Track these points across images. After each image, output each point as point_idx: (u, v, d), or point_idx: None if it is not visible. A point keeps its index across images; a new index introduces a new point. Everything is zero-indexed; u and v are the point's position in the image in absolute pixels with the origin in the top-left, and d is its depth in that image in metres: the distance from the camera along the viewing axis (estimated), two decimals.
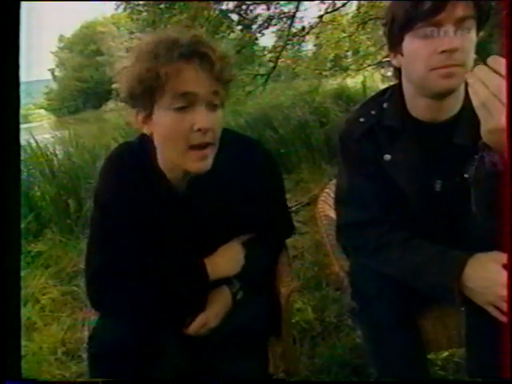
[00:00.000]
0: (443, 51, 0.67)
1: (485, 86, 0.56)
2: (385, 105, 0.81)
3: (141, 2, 4.12)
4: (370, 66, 5.48)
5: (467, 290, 0.69)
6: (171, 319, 0.78)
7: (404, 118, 0.79)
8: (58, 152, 3.00)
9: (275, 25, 4.59)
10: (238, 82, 4.54)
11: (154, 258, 0.79)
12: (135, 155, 0.81)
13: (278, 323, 0.87)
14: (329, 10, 4.61)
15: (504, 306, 0.65)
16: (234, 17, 4.29)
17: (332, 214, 0.97)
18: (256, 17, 4.44)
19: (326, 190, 1.15)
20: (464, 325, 0.76)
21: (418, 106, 0.76)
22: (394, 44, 0.74)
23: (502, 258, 0.67)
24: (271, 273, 0.90)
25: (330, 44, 5.91)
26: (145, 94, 0.69)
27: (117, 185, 0.80)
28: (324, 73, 6.12)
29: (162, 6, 3.96)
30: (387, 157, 0.78)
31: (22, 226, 2.15)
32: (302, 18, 4.69)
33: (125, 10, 4.30)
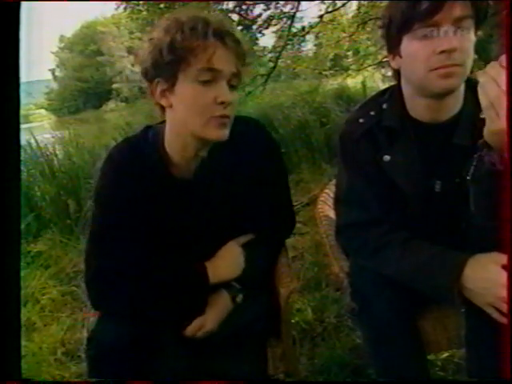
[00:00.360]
0: (442, 51, 0.67)
1: (496, 84, 0.56)
2: (384, 105, 0.81)
3: (140, 2, 4.12)
4: (370, 65, 5.48)
5: (467, 290, 0.69)
6: (171, 321, 0.78)
7: (403, 118, 0.78)
8: (58, 152, 3.01)
9: (275, 25, 4.60)
10: None
11: (155, 258, 0.79)
12: (136, 148, 0.80)
13: (277, 324, 0.87)
14: (329, 10, 4.61)
15: (503, 307, 0.65)
16: (234, 17, 4.28)
17: (332, 214, 0.97)
18: (256, 17, 4.43)
19: (326, 191, 1.15)
20: (464, 326, 0.76)
21: (417, 107, 0.76)
22: (393, 46, 0.74)
23: (502, 258, 0.67)
24: (271, 274, 0.90)
25: (330, 44, 5.91)
26: (172, 64, 0.71)
27: (117, 181, 0.79)
28: (324, 73, 6.12)
29: (161, 5, 3.96)
30: (387, 157, 0.78)
31: (22, 226, 2.15)
32: (301, 17, 4.70)
33: (125, 9, 4.30)
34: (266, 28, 4.54)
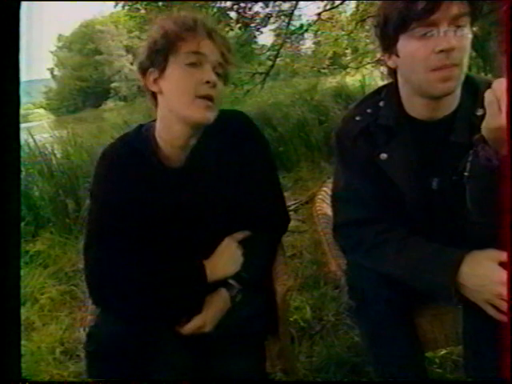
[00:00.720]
0: (441, 51, 0.66)
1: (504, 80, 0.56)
2: (381, 103, 0.81)
3: (139, 1, 4.11)
4: (369, 63, 5.47)
5: (463, 288, 0.69)
6: (169, 318, 0.78)
7: (400, 116, 0.78)
8: (56, 151, 3.00)
9: (273, 23, 4.59)
10: (236, 81, 4.54)
11: (153, 254, 0.79)
12: (129, 144, 0.83)
13: (274, 322, 0.87)
14: (327, 8, 4.60)
15: (500, 304, 0.65)
16: (233, 15, 4.28)
17: (329, 212, 0.97)
18: (254, 15, 4.42)
19: (324, 189, 1.15)
20: (461, 323, 0.76)
21: (414, 105, 0.76)
22: (389, 45, 0.73)
23: (498, 255, 0.67)
24: (268, 271, 0.90)
25: (328, 42, 5.90)
26: (163, 50, 0.77)
27: (111, 177, 0.81)
28: (323, 71, 6.11)
29: (159, 4, 3.96)
30: (384, 155, 0.78)
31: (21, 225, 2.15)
32: (300, 15, 4.68)
33: (123, 8, 4.29)
34: (264, 26, 4.54)
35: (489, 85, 0.64)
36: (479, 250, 0.69)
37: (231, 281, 0.81)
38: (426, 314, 0.83)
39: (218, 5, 4.08)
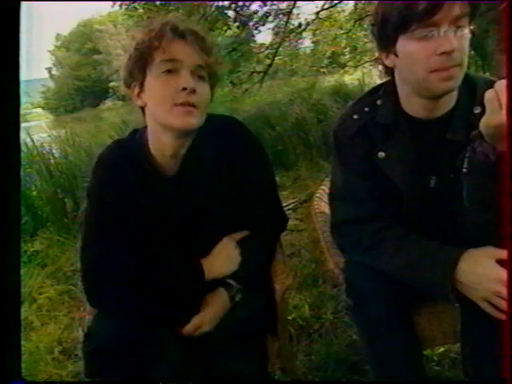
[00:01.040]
0: (442, 53, 0.66)
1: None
2: (379, 102, 0.81)
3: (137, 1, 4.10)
4: (367, 62, 5.47)
5: (461, 285, 0.69)
6: (167, 318, 0.78)
7: (398, 115, 0.78)
8: (54, 151, 3.00)
9: (272, 21, 4.58)
10: (234, 80, 4.53)
11: (149, 253, 0.79)
12: (125, 149, 0.83)
13: (273, 321, 0.87)
14: (325, 7, 4.60)
15: (497, 302, 0.65)
16: (231, 13, 4.27)
17: (327, 210, 0.97)
18: (252, 13, 4.42)
19: (322, 187, 1.15)
20: (459, 320, 0.76)
21: (412, 104, 0.76)
22: (387, 44, 0.72)
23: (496, 253, 0.67)
24: (267, 270, 0.90)
25: (327, 41, 5.90)
26: (139, 63, 0.76)
27: (108, 180, 0.81)
28: (322, 70, 6.11)
29: (157, 3, 3.95)
30: (381, 154, 0.78)
31: None
32: (298, 14, 4.67)
33: (120, 7, 4.28)
34: (263, 25, 4.53)
35: (486, 83, 0.64)
36: (477, 247, 0.69)
37: (230, 280, 0.81)
38: (423, 312, 0.83)
39: (215, 4, 4.07)
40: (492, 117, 0.58)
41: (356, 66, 5.69)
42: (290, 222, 0.96)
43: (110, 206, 0.80)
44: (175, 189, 0.81)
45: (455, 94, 0.75)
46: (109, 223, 0.79)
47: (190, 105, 0.75)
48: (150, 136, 0.81)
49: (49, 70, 23.75)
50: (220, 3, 4.11)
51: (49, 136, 3.54)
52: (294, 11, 4.49)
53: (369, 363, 0.86)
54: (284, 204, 2.41)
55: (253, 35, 4.90)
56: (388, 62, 0.75)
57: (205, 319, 0.77)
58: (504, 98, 0.56)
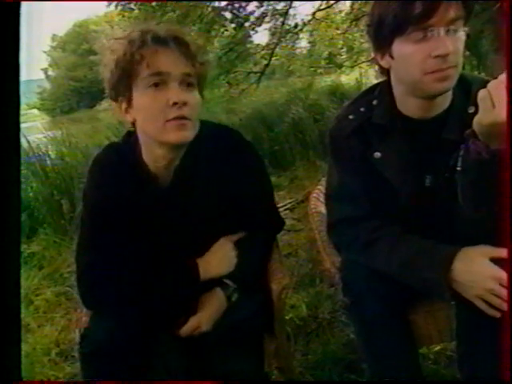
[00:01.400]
0: (438, 56, 0.66)
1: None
2: (374, 102, 0.81)
3: (133, 0, 4.09)
4: (364, 62, 5.48)
5: (456, 283, 0.69)
6: (163, 318, 0.78)
7: (393, 115, 0.78)
8: (50, 152, 2.98)
9: (268, 22, 4.59)
10: (231, 80, 4.53)
11: (144, 257, 0.79)
12: (120, 155, 0.82)
13: (270, 320, 0.88)
14: (321, 7, 4.61)
15: (491, 299, 0.66)
16: (227, 15, 4.27)
17: (324, 210, 0.97)
18: (249, 14, 4.42)
19: (319, 187, 1.15)
20: (455, 318, 0.76)
21: (408, 105, 0.76)
22: (383, 46, 0.73)
23: (490, 251, 0.68)
24: (263, 270, 0.90)
25: (323, 41, 5.92)
26: (123, 79, 0.73)
27: (103, 184, 0.81)
28: (318, 70, 6.12)
29: (153, 3, 3.94)
30: (377, 154, 0.79)
31: None
32: (294, 15, 4.68)
33: (116, 7, 4.27)
34: (259, 25, 4.53)
35: (481, 83, 0.64)
36: (471, 245, 0.70)
37: (226, 280, 0.81)
38: (419, 311, 0.84)
39: (212, 4, 4.07)
40: (484, 115, 0.59)
41: (353, 66, 5.70)
42: (287, 222, 0.96)
43: (105, 211, 0.79)
44: (170, 197, 0.81)
45: (450, 94, 0.76)
46: (104, 227, 0.79)
47: (183, 117, 0.72)
48: (143, 148, 0.79)
49: (45, 70, 23.64)
50: (216, 4, 4.11)
51: (45, 137, 3.52)
52: (291, 12, 4.50)
53: (366, 362, 0.87)
54: (281, 204, 2.42)
55: (249, 36, 4.90)
56: (384, 63, 0.75)
57: (202, 319, 0.77)
58: (496, 98, 0.57)
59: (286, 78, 6.71)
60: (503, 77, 0.56)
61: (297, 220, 2.26)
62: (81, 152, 3.03)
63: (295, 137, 3.54)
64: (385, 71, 0.78)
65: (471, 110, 0.70)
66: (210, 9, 4.12)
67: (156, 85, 0.72)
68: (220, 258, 0.82)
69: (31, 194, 2.58)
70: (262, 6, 4.40)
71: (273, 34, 4.87)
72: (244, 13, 4.38)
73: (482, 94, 0.59)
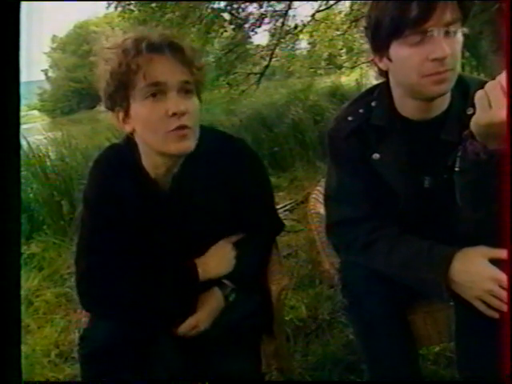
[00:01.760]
0: (435, 59, 0.66)
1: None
2: (373, 103, 0.81)
3: (132, 2, 4.10)
4: (364, 63, 5.49)
5: (455, 284, 0.69)
6: (162, 319, 0.78)
7: (392, 116, 0.79)
8: (50, 153, 2.98)
9: (268, 23, 4.60)
10: (231, 81, 4.54)
11: (143, 259, 0.79)
12: (121, 157, 0.82)
13: (270, 321, 0.88)
14: (321, 9, 4.62)
15: (490, 300, 0.66)
16: (226, 15, 4.28)
17: (323, 211, 0.97)
18: (248, 15, 4.43)
19: (318, 188, 1.15)
20: (454, 319, 0.76)
21: (406, 106, 0.77)
22: (380, 48, 0.73)
23: (489, 252, 0.68)
24: (262, 271, 0.90)
25: (323, 42, 5.92)
26: (119, 90, 0.72)
27: (104, 187, 0.81)
28: (318, 71, 6.13)
29: (153, 4, 3.94)
30: (376, 155, 0.79)
31: None
32: (294, 16, 4.69)
33: (116, 8, 4.27)
34: (259, 26, 4.54)
35: (479, 84, 0.65)
36: (469, 245, 0.70)
37: (224, 280, 0.81)
38: (419, 311, 0.84)
39: (211, 5, 4.08)
40: (481, 116, 0.59)
41: (352, 67, 5.71)
42: (287, 223, 0.97)
43: (105, 213, 0.79)
44: (169, 200, 0.81)
45: (448, 95, 0.76)
46: (104, 229, 0.79)
47: (184, 127, 0.71)
48: (143, 156, 0.79)
49: (45, 72, 23.66)
50: (216, 5, 4.12)
51: (45, 138, 3.52)
52: (290, 13, 4.51)
53: (365, 363, 0.87)
54: (280, 205, 2.43)
55: (249, 37, 4.91)
56: (382, 66, 0.76)
57: (200, 318, 0.78)
58: (493, 99, 0.57)
59: (286, 78, 6.72)
60: (500, 77, 0.57)
61: (296, 221, 2.26)
62: (81, 153, 3.04)
63: (295, 138, 3.55)
64: (383, 73, 0.79)
65: (470, 111, 0.70)
66: (209, 10, 4.13)
67: (154, 95, 0.70)
68: (219, 259, 0.82)
69: (31, 195, 2.58)
70: (261, 7, 4.41)
71: (272, 35, 4.88)
72: (243, 14, 4.39)
73: (478, 94, 0.59)
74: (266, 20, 4.54)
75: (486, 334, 0.65)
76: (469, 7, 0.70)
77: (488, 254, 0.68)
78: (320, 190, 1.12)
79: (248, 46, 5.12)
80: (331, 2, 4.69)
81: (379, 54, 0.74)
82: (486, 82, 0.62)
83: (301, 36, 5.27)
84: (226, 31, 4.43)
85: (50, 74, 23.76)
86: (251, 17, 4.43)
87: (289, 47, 5.45)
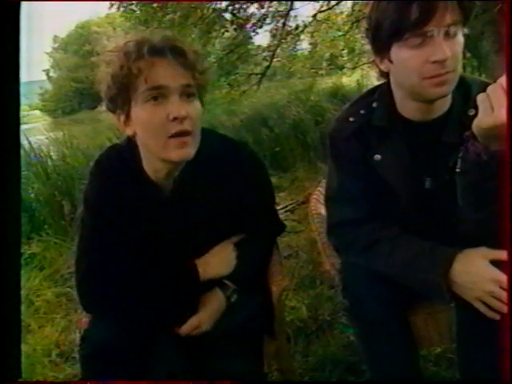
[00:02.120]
0: (435, 61, 0.66)
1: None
2: (374, 104, 0.81)
3: (134, 2, 4.10)
4: (365, 64, 5.49)
5: (455, 285, 0.69)
6: (163, 319, 0.78)
7: (393, 117, 0.79)
8: (52, 153, 2.99)
9: (269, 24, 4.60)
10: (232, 81, 4.54)
11: (144, 259, 0.79)
12: (122, 157, 0.82)
13: (270, 322, 0.88)
14: (322, 9, 4.62)
15: (491, 302, 0.66)
16: (228, 16, 4.28)
17: (324, 212, 0.97)
18: (250, 16, 4.43)
19: (319, 189, 1.16)
20: (455, 320, 0.76)
21: (408, 108, 0.77)
22: (381, 50, 0.73)
23: (490, 253, 0.68)
24: (263, 272, 0.90)
25: (325, 43, 5.92)
26: (121, 93, 0.72)
27: (105, 188, 0.81)
28: (319, 71, 6.13)
29: (154, 4, 3.95)
30: (377, 156, 0.79)
31: None
32: (295, 16, 4.69)
33: (118, 9, 4.28)
34: (260, 27, 4.54)
35: (481, 85, 0.65)
36: (470, 246, 0.70)
37: (226, 280, 0.81)
38: (420, 312, 0.84)
39: (212, 5, 4.08)
40: (484, 118, 0.59)
41: (354, 68, 5.71)
42: (288, 224, 0.97)
43: (105, 213, 0.79)
44: (170, 202, 0.80)
45: (450, 97, 0.76)
46: (104, 230, 0.79)
47: (185, 133, 0.71)
48: (144, 158, 0.79)
49: (46, 72, 23.70)
50: (217, 5, 4.12)
51: (46, 138, 3.53)
52: (292, 13, 4.51)
53: (366, 364, 0.87)
54: (281, 205, 2.42)
55: (250, 37, 4.91)
56: (383, 67, 0.76)
57: (202, 319, 0.78)
58: (495, 101, 0.57)
59: (287, 79, 6.72)
60: (502, 80, 0.57)
61: (297, 221, 2.26)
62: (82, 153, 3.04)
63: (296, 138, 3.55)
64: (384, 74, 0.79)
65: (471, 112, 0.70)
66: (210, 10, 4.13)
67: (155, 98, 0.70)
68: (220, 259, 0.82)
69: (32, 195, 2.59)
70: (262, 8, 4.41)
71: (274, 36, 4.88)
72: (245, 14, 4.39)
73: (481, 97, 0.59)
74: (268, 20, 4.55)
75: (487, 335, 0.65)
76: (470, 9, 0.70)
77: (489, 255, 0.68)
78: (321, 190, 1.12)
79: (249, 47, 5.13)
80: (333, 3, 4.69)
81: (380, 56, 0.74)
82: (487, 84, 0.62)
83: (302, 36, 5.28)
84: (227, 31, 4.44)
85: (51, 74, 23.80)
86: (252, 17, 4.43)
87: (290, 48, 5.45)
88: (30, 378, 1.24)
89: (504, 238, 0.58)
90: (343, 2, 4.83)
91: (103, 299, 0.77)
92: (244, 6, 4.29)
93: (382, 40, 0.71)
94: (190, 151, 0.73)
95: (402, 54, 0.69)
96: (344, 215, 0.82)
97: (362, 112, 0.81)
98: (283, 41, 4.82)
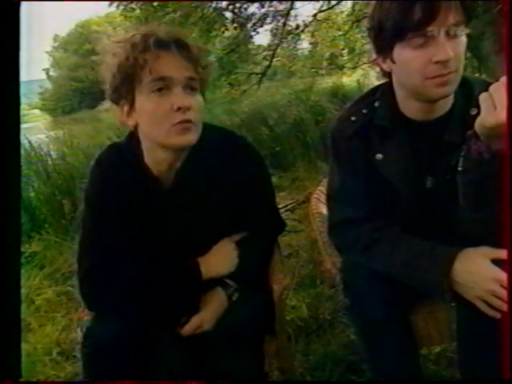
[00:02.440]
0: (438, 62, 0.66)
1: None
2: (376, 104, 0.81)
3: (134, 1, 4.10)
4: (365, 63, 5.49)
5: (457, 284, 0.69)
6: (165, 318, 0.78)
7: (395, 117, 0.79)
8: (52, 152, 2.99)
9: (269, 23, 4.60)
10: (232, 81, 4.54)
11: (146, 257, 0.80)
12: (123, 155, 0.82)
13: (271, 321, 0.88)
14: (323, 9, 4.62)
15: (492, 301, 0.66)
16: (228, 15, 4.28)
17: (325, 211, 0.97)
18: (250, 15, 4.43)
19: (320, 188, 1.16)
20: (456, 320, 0.76)
21: (410, 107, 0.77)
22: (383, 50, 0.73)
23: (491, 252, 0.68)
24: (264, 271, 0.90)
25: (325, 42, 5.93)
26: (126, 83, 0.73)
27: (106, 186, 0.81)
28: (320, 71, 6.13)
29: (155, 3, 3.95)
30: (379, 156, 0.79)
31: None
32: (296, 16, 4.69)
33: (117, 7, 4.28)
34: (261, 26, 4.54)
35: (482, 85, 0.65)
36: (471, 245, 0.70)
37: (227, 279, 0.81)
38: (420, 312, 0.84)
39: (213, 5, 4.08)
40: (486, 117, 0.60)
41: (354, 68, 5.72)
42: (288, 223, 0.97)
43: (106, 212, 0.80)
44: (171, 198, 0.81)
45: (452, 96, 0.76)
46: (105, 228, 0.79)
47: (187, 121, 0.73)
48: (145, 152, 0.80)
49: (46, 71, 23.69)
50: (218, 5, 4.12)
51: (46, 137, 3.53)
52: (292, 13, 4.51)
53: (366, 363, 0.87)
54: (282, 205, 2.42)
55: (251, 37, 4.91)
56: (385, 67, 0.76)
57: (204, 318, 0.78)
58: (498, 100, 0.57)
59: (288, 79, 6.72)
60: (504, 79, 0.57)
61: (298, 221, 2.26)
62: (82, 152, 3.04)
63: (296, 138, 3.55)
64: (387, 73, 0.79)
65: (473, 111, 0.70)
66: (211, 9, 4.13)
67: (159, 89, 0.72)
68: (221, 258, 0.82)
69: (33, 194, 2.59)
70: (263, 7, 4.41)
71: (274, 35, 4.88)
72: (245, 13, 4.39)
73: (483, 96, 0.60)
74: (268, 20, 4.55)
75: (488, 334, 0.66)
76: (472, 9, 0.70)
77: (490, 254, 0.68)
78: (322, 190, 1.12)
79: (250, 46, 5.14)
80: (333, 2, 4.69)
81: (382, 56, 0.74)
82: (489, 83, 0.62)
83: (302, 36, 5.28)
84: (227, 30, 4.43)
85: (51, 73, 23.78)
86: (253, 17, 4.43)
87: (290, 47, 5.46)
88: (30, 377, 1.24)
89: (505, 237, 0.59)
90: (343, 2, 4.84)
91: (105, 297, 0.77)
92: (244, 6, 4.29)
93: (384, 40, 0.71)
94: (192, 137, 0.74)
95: (405, 54, 0.69)
96: (345, 214, 0.82)
97: (364, 111, 0.81)
98: (284, 40, 4.82)
